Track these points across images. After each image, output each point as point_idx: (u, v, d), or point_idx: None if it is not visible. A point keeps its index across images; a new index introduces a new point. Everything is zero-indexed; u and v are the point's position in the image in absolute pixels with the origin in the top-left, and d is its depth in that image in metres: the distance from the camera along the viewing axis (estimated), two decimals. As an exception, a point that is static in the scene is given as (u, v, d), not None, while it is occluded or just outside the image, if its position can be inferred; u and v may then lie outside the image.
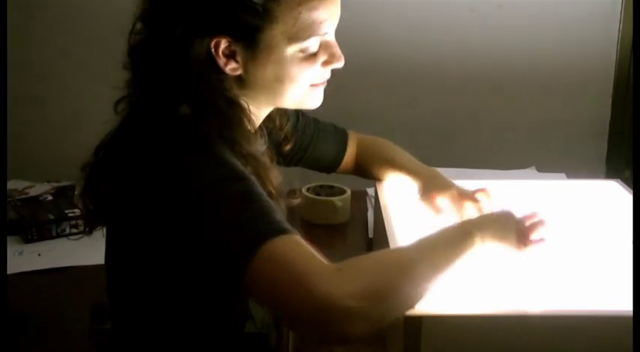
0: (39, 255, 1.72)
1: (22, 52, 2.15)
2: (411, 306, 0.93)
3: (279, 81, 1.07)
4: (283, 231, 0.92)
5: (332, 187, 1.74)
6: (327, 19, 1.05)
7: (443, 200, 1.28)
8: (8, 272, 1.56)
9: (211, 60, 1.03)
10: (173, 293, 1.07)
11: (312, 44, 1.05)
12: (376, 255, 0.98)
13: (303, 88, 1.10)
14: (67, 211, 1.84)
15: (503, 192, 1.36)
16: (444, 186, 1.30)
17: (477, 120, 2.26)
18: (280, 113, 1.27)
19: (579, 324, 0.96)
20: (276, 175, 1.10)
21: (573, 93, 2.25)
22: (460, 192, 1.28)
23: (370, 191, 1.75)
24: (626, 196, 1.39)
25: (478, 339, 0.95)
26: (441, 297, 0.99)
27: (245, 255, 0.90)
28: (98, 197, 1.12)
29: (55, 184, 2.06)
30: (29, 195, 1.98)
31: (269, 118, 1.22)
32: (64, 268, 1.66)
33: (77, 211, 1.84)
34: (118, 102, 1.11)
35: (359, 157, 1.46)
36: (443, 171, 1.37)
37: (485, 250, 1.02)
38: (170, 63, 1.02)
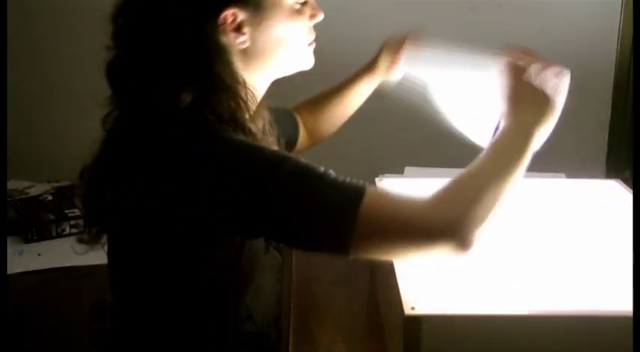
0: (39, 255, 1.72)
1: (22, 51, 2.15)
2: (498, 206, 0.97)
3: (283, 41, 1.10)
4: (361, 188, 0.95)
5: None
6: None
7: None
8: (8, 272, 1.56)
9: (218, 40, 1.04)
10: (174, 293, 1.07)
11: None
12: (459, 179, 0.99)
13: (302, 46, 1.14)
14: (67, 211, 1.84)
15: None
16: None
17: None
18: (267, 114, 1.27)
19: (579, 324, 0.96)
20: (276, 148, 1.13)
21: (573, 93, 2.24)
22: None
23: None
24: (626, 196, 1.39)
25: (478, 339, 0.95)
26: (441, 297, 0.99)
27: (347, 226, 0.93)
28: (100, 200, 1.12)
29: (55, 184, 2.06)
30: (29, 195, 1.99)
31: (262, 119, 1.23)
32: (64, 268, 1.66)
33: (77, 211, 1.84)
34: (104, 121, 1.11)
35: (307, 113, 1.49)
36: (442, 172, 1.37)
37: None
38: (179, 52, 1.02)
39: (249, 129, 1.06)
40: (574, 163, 1.67)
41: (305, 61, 1.17)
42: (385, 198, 0.97)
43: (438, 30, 2.21)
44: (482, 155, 1.03)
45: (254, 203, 0.96)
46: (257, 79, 1.12)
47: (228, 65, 1.06)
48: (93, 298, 1.54)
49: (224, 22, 1.03)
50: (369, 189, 0.96)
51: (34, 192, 2.01)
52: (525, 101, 1.12)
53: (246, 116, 1.07)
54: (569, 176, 1.72)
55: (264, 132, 1.15)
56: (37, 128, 2.25)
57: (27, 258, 1.70)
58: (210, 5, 1.03)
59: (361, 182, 0.97)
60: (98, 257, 1.68)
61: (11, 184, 2.03)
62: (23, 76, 2.17)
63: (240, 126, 1.04)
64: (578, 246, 1.20)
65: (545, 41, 2.20)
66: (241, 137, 1.03)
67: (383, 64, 1.44)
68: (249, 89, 1.09)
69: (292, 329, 1.27)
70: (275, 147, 1.14)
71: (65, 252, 1.73)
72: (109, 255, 1.16)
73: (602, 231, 1.26)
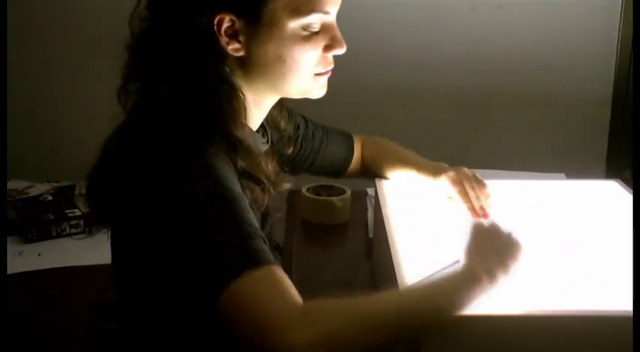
0: (39, 255, 1.72)
1: (22, 51, 2.15)
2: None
3: (281, 61, 1.05)
4: (254, 264, 0.88)
5: (332, 187, 1.74)
6: None
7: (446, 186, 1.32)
8: (8, 272, 1.56)
9: (213, 40, 1.02)
10: (173, 292, 1.07)
11: (313, 21, 1.04)
12: (349, 303, 0.88)
13: (307, 74, 1.08)
14: (67, 211, 1.84)
15: (503, 192, 1.36)
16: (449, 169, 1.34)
17: (476, 120, 2.26)
18: (284, 116, 1.26)
19: (579, 324, 0.96)
20: (271, 165, 1.09)
21: (573, 94, 2.25)
22: (463, 174, 1.32)
23: (370, 191, 1.75)
24: (626, 196, 1.38)
25: (478, 339, 0.95)
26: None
27: (212, 292, 0.88)
28: (101, 196, 1.11)
29: (55, 184, 2.06)
30: (29, 195, 1.98)
31: (274, 122, 1.22)
32: (64, 268, 1.66)
33: (77, 211, 1.84)
34: (118, 93, 1.11)
35: (366, 158, 1.47)
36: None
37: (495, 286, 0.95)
38: (172, 42, 1.02)
39: (234, 137, 1.03)
40: (574, 163, 1.68)
41: (309, 91, 1.12)
42: (266, 287, 0.87)
43: (438, 30, 2.22)
44: (407, 287, 0.96)
45: (166, 227, 0.94)
46: (256, 91, 1.10)
47: (220, 67, 1.04)
48: (93, 298, 1.54)
49: (219, 25, 1.02)
50: (265, 269, 0.88)
51: (34, 192, 2.01)
52: (481, 252, 1.01)
53: (237, 122, 1.05)
54: (569, 176, 1.72)
55: (256, 146, 1.11)
56: (37, 128, 2.25)
57: (27, 258, 1.70)
58: (207, 4, 1.01)
59: (263, 256, 0.90)
60: (98, 257, 1.70)
61: (11, 184, 2.03)
62: (23, 75, 2.17)
63: (224, 132, 1.02)
64: (578, 246, 1.20)
65: (546, 41, 2.21)
66: (217, 158, 0.99)
67: (443, 188, 1.35)
68: (245, 98, 1.06)
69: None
70: (264, 162, 1.09)
71: (65, 252, 1.73)
72: (112, 253, 1.16)
73: (602, 231, 1.26)
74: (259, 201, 1.07)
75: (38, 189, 2.03)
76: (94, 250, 1.74)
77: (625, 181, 1.45)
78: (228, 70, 1.05)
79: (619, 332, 0.94)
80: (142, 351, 1.14)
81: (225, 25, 1.02)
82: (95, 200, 1.13)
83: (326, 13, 1.05)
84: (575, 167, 1.80)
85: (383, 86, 2.23)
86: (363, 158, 1.47)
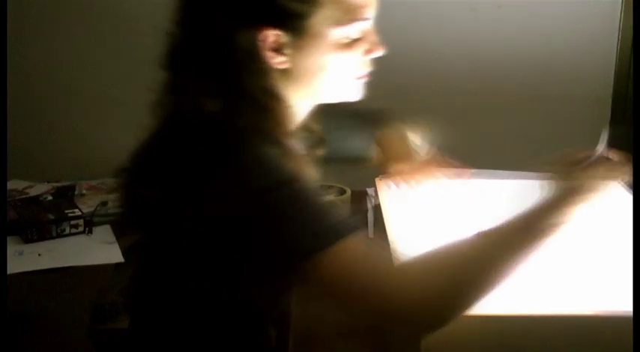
0: (39, 255, 1.72)
1: (22, 51, 2.15)
2: (474, 304, 0.92)
3: (324, 70, 1.07)
4: (339, 235, 0.92)
5: (332, 187, 1.74)
6: (368, 4, 1.07)
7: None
8: (8, 272, 1.56)
9: (256, 53, 1.03)
10: (203, 295, 1.07)
11: (355, 29, 1.07)
12: (440, 254, 0.94)
13: (348, 78, 1.11)
14: (67, 211, 1.84)
15: (503, 192, 1.36)
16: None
17: (476, 120, 2.26)
18: (315, 118, 1.27)
19: (579, 324, 0.96)
20: (313, 175, 1.11)
21: (573, 93, 2.25)
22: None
23: (370, 191, 1.75)
24: (626, 196, 1.38)
25: (478, 339, 0.95)
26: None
27: (303, 266, 0.91)
28: (135, 201, 1.11)
29: (55, 184, 2.06)
30: (29, 195, 1.98)
31: (305, 124, 1.23)
32: (64, 268, 1.66)
33: (77, 211, 1.84)
34: (154, 107, 1.11)
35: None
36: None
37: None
38: (213, 58, 1.03)
39: (280, 144, 1.05)
40: (574, 163, 1.68)
41: (350, 94, 1.15)
42: (357, 253, 0.93)
43: (438, 30, 2.22)
44: (485, 232, 0.97)
45: (239, 213, 0.95)
46: (299, 100, 1.11)
47: (264, 80, 1.05)
48: (93, 298, 1.54)
49: (264, 40, 1.03)
50: (352, 237, 0.93)
51: (34, 192, 2.01)
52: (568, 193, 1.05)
53: (281, 131, 1.07)
54: (569, 176, 1.72)
55: (299, 151, 1.13)
56: (38, 128, 2.25)
57: (27, 258, 1.70)
58: (252, 20, 1.02)
59: (350, 227, 0.94)
60: (98, 257, 1.70)
61: (11, 184, 2.02)
62: (23, 76, 2.17)
63: (269, 139, 1.03)
64: (578, 246, 1.20)
65: (545, 41, 2.21)
66: (264, 148, 1.02)
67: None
68: (289, 108, 1.08)
69: (292, 329, 1.27)
70: (307, 170, 1.11)
71: (65, 252, 1.73)
72: (141, 253, 1.17)
73: (602, 231, 1.26)
74: None
75: (38, 189, 2.03)
76: (94, 250, 1.74)
77: (625, 181, 1.45)
78: (272, 82, 1.06)
79: (619, 332, 0.94)
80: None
81: (270, 39, 1.03)
82: (131, 204, 1.12)
83: (366, 20, 1.08)
84: (575, 167, 1.80)
85: (382, 86, 2.22)
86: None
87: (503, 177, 1.55)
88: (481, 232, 0.97)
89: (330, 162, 1.40)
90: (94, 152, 2.23)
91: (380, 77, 2.32)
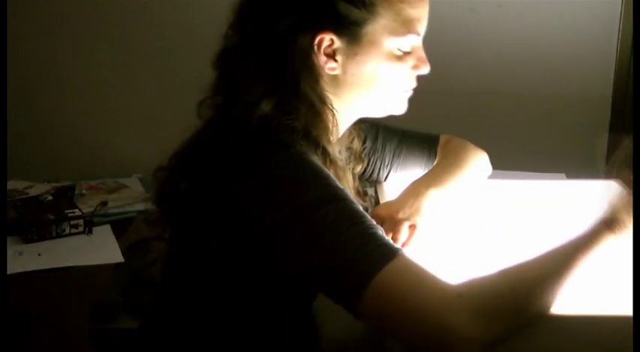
0: (39, 255, 1.72)
1: (22, 51, 2.15)
2: (532, 322, 0.92)
3: (374, 80, 1.09)
4: (389, 256, 0.90)
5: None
6: (423, 18, 1.11)
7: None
8: (8, 272, 1.56)
9: (311, 57, 1.05)
10: (228, 298, 1.07)
11: (408, 42, 1.09)
12: (496, 278, 0.92)
13: (396, 92, 1.14)
14: (67, 211, 1.84)
15: (503, 192, 1.36)
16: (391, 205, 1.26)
17: (476, 120, 2.26)
18: (355, 133, 1.27)
19: (579, 325, 0.96)
20: (352, 182, 1.13)
21: (573, 93, 2.25)
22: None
23: (370, 191, 1.75)
24: (626, 196, 1.38)
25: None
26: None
27: (355, 291, 0.89)
28: (174, 198, 1.11)
29: (55, 184, 2.06)
30: (29, 195, 1.98)
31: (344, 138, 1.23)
32: (64, 268, 1.66)
33: (77, 211, 1.84)
34: (200, 105, 1.12)
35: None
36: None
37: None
38: (271, 59, 1.04)
39: (325, 150, 1.05)
40: (574, 163, 1.68)
41: (396, 107, 1.17)
42: (409, 274, 0.90)
43: (437, 30, 2.22)
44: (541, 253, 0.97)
45: (283, 230, 0.95)
46: (344, 109, 1.12)
47: (315, 84, 1.06)
48: (93, 298, 1.54)
49: (319, 44, 1.04)
50: (400, 257, 0.91)
51: (34, 192, 2.01)
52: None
53: (327, 138, 1.07)
54: (569, 176, 1.72)
55: (341, 161, 1.13)
56: (37, 128, 2.25)
57: (27, 258, 1.70)
58: (310, 23, 1.03)
59: (393, 246, 0.93)
60: (98, 257, 1.70)
61: (11, 184, 2.03)
62: (23, 76, 2.17)
63: (315, 144, 1.04)
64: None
65: (545, 41, 2.21)
66: (312, 157, 1.02)
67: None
68: (335, 114, 1.09)
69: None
70: (350, 179, 1.12)
71: (65, 252, 1.73)
72: (170, 250, 1.17)
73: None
74: None
75: (38, 189, 2.03)
76: (94, 250, 1.74)
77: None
78: (324, 87, 1.07)
79: (619, 333, 0.94)
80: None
81: (325, 44, 1.05)
82: (169, 201, 1.12)
83: (419, 34, 1.11)
84: (575, 167, 1.80)
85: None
86: None
87: (503, 177, 1.55)
88: (537, 255, 0.96)
89: (380, 179, 1.41)
90: (94, 152, 2.23)
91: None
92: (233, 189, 0.99)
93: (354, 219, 0.94)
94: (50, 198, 1.97)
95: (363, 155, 1.32)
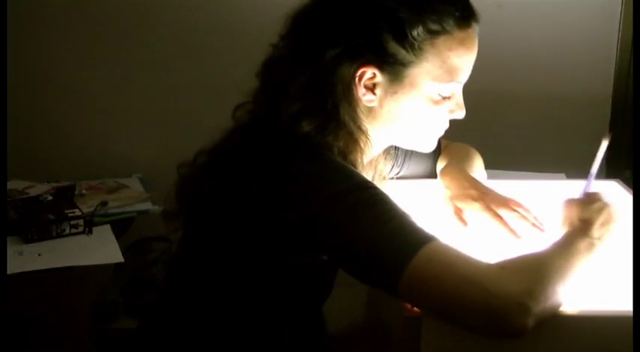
0: (39, 254, 1.72)
1: (22, 52, 2.15)
2: (560, 305, 0.94)
3: (408, 119, 1.12)
4: (427, 238, 0.95)
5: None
6: (467, 68, 1.12)
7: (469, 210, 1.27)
8: (8, 272, 1.56)
9: (350, 88, 1.07)
10: (242, 295, 1.09)
11: (449, 89, 1.11)
12: (530, 257, 0.98)
13: (427, 131, 1.15)
14: (67, 211, 1.84)
15: (504, 192, 1.36)
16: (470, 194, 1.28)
17: (476, 120, 2.26)
18: (384, 157, 1.29)
19: (579, 325, 0.96)
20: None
21: (573, 93, 2.25)
22: (491, 199, 1.25)
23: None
24: (626, 196, 1.38)
25: (478, 339, 0.95)
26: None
27: (401, 262, 0.92)
28: (195, 195, 1.12)
29: (55, 184, 2.06)
30: (29, 195, 1.98)
31: (375, 161, 1.25)
32: (64, 268, 1.66)
33: (77, 211, 1.84)
34: (237, 109, 1.15)
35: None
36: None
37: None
38: (313, 82, 1.06)
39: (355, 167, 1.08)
40: (574, 163, 1.67)
41: (425, 146, 1.18)
42: (450, 250, 0.95)
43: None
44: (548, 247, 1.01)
45: (320, 218, 0.98)
46: (377, 137, 1.14)
47: (353, 112, 1.08)
48: (93, 298, 1.54)
49: (361, 76, 1.06)
50: (437, 240, 0.95)
51: (34, 192, 2.01)
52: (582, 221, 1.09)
53: (360, 161, 1.11)
54: (569, 176, 1.72)
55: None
56: (37, 128, 2.25)
57: (27, 258, 1.70)
58: (356, 55, 1.05)
59: (431, 234, 0.96)
60: (98, 257, 1.70)
61: (11, 184, 2.02)
62: (23, 76, 2.17)
63: (349, 163, 1.07)
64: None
65: (545, 41, 2.21)
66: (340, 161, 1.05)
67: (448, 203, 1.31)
68: (369, 139, 1.11)
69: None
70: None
71: (65, 252, 1.73)
72: (179, 248, 1.18)
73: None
74: None
75: (38, 189, 2.03)
76: (94, 250, 1.74)
77: (625, 181, 1.45)
78: (360, 116, 1.10)
79: (619, 332, 0.94)
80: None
81: (367, 77, 1.07)
82: (189, 197, 1.14)
83: (460, 82, 1.12)
84: (575, 167, 1.80)
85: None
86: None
87: (503, 177, 1.55)
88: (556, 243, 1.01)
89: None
90: (94, 152, 2.23)
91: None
92: (268, 183, 1.02)
93: (387, 205, 0.98)
94: (50, 198, 1.97)
95: (387, 176, 1.34)
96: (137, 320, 1.31)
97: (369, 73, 1.06)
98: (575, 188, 1.46)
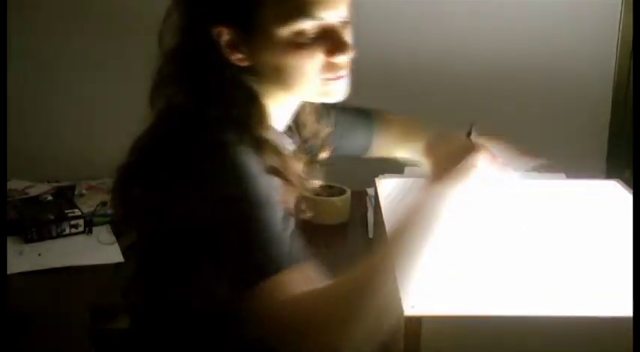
0: (39, 254, 1.72)
1: (22, 52, 2.15)
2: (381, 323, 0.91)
3: (282, 70, 1.06)
4: (280, 267, 0.93)
5: (332, 187, 1.74)
6: (319, 2, 1.02)
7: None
8: (8, 272, 1.56)
9: (215, 49, 1.05)
10: (184, 296, 1.08)
11: (304, 27, 1.03)
12: (324, 290, 0.94)
13: (313, 80, 1.07)
14: (67, 211, 1.84)
15: (503, 192, 1.36)
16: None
17: (475, 120, 2.26)
18: (314, 118, 1.26)
19: (579, 325, 0.96)
20: (299, 165, 1.13)
21: (573, 93, 2.25)
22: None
23: (370, 191, 1.75)
24: (626, 196, 1.39)
25: (478, 340, 0.95)
26: (441, 297, 0.99)
27: (240, 289, 0.94)
28: (128, 200, 1.12)
29: (55, 184, 2.06)
30: (29, 195, 1.98)
31: (303, 123, 1.23)
32: (64, 268, 1.66)
33: (77, 211, 1.84)
34: (152, 100, 1.15)
35: (386, 139, 1.45)
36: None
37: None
38: (187, 53, 1.07)
39: (261, 139, 1.05)
40: (574, 163, 1.68)
41: (323, 96, 1.12)
42: (299, 288, 0.93)
43: (436, 30, 2.22)
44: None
45: (203, 217, 0.98)
46: (274, 96, 1.11)
47: (228, 74, 1.06)
48: (93, 298, 1.54)
49: (219, 36, 1.04)
50: (283, 274, 0.93)
51: (34, 192, 2.01)
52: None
53: (263, 126, 1.07)
54: (569, 176, 1.72)
55: (285, 149, 1.13)
56: (37, 128, 2.25)
57: (27, 258, 1.70)
58: (204, 18, 1.04)
59: (293, 259, 0.95)
60: (98, 257, 1.70)
61: (11, 184, 2.02)
62: (23, 76, 2.17)
63: (250, 134, 1.04)
64: (578, 246, 1.20)
65: (546, 41, 2.21)
66: (245, 154, 1.01)
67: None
68: (264, 102, 1.09)
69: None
70: (295, 166, 1.12)
71: (65, 252, 1.73)
72: (138, 252, 1.18)
73: (602, 231, 1.26)
74: (286, 200, 1.08)
75: (38, 189, 2.03)
76: (94, 250, 1.74)
77: (625, 181, 1.46)
78: (240, 77, 1.07)
79: (619, 333, 0.94)
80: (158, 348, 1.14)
81: (225, 37, 1.05)
82: (124, 203, 1.14)
83: (317, 18, 1.03)
84: (575, 167, 1.80)
85: (382, 86, 2.23)
86: (384, 139, 1.44)
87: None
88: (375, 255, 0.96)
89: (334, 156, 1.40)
90: (94, 152, 2.23)
91: (381, 77, 2.33)
92: (169, 185, 1.02)
93: (272, 220, 0.97)
94: (50, 198, 1.97)
95: (327, 141, 1.30)
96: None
97: (225, 32, 1.04)
98: (575, 188, 1.47)
